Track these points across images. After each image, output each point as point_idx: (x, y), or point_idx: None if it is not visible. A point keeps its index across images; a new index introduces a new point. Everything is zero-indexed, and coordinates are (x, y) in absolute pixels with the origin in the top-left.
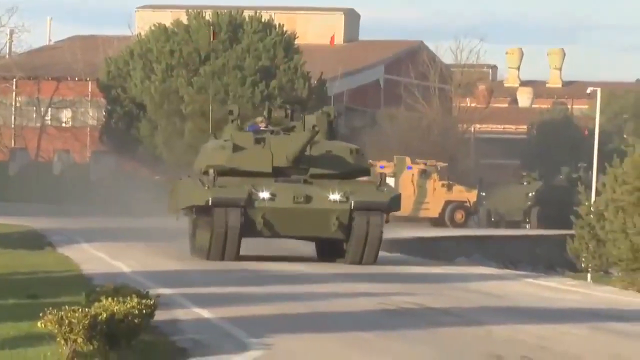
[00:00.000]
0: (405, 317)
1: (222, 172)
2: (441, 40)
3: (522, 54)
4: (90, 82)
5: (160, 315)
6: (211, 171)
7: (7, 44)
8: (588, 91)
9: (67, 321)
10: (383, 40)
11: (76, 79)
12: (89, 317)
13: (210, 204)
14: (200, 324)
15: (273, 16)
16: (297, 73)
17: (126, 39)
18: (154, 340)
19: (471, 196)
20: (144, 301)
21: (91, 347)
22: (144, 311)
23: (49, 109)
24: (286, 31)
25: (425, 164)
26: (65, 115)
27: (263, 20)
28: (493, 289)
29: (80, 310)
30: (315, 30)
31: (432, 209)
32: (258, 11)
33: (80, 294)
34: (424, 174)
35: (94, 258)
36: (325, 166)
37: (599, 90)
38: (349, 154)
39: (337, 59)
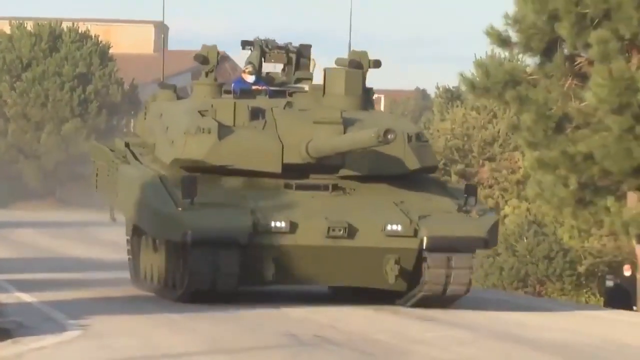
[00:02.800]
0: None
1: (200, 168)
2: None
3: None
4: None
5: None
6: (186, 180)
7: None
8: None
9: None
10: (191, 50)
11: None
12: None
13: (189, 241)
14: (22, 307)
15: (90, 27)
16: (111, 79)
17: None
18: None
19: None
20: None
21: None
22: None
23: None
24: (101, 41)
25: None
26: None
27: (80, 31)
28: None
29: None
30: (129, 40)
31: None
32: (76, 23)
33: None
34: None
35: None
36: (368, 164)
37: (382, 97)
38: (406, 144)
39: (148, 66)
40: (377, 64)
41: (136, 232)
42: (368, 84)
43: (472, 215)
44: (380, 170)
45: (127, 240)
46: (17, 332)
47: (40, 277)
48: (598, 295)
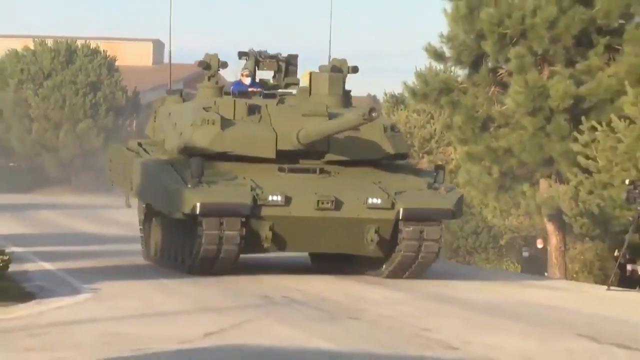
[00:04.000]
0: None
1: (207, 156)
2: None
3: None
4: None
5: (13, 268)
6: (195, 161)
7: None
8: None
9: None
10: (183, 64)
11: None
12: None
13: (197, 212)
14: (44, 274)
15: (99, 44)
16: (117, 87)
17: None
18: (8, 286)
19: None
20: (0, 257)
21: None
22: (0, 264)
23: None
24: (109, 55)
25: None
26: None
27: (91, 47)
28: None
29: None
30: (131, 55)
31: None
32: (87, 40)
33: None
34: None
35: None
36: (351, 150)
37: None
38: (383, 133)
39: (147, 76)
40: (355, 69)
41: (147, 216)
42: (347, 87)
43: (440, 192)
44: (361, 156)
45: (140, 220)
46: (40, 294)
47: (59, 249)
48: (516, 264)
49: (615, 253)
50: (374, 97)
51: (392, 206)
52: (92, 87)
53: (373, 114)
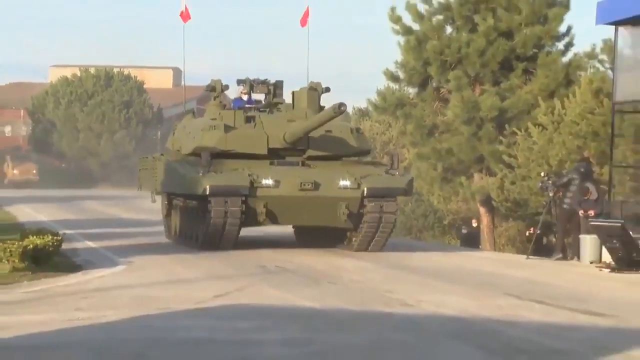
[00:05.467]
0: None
1: (213, 155)
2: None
3: None
4: (22, 110)
5: (65, 246)
6: (204, 154)
7: None
8: None
9: (8, 250)
10: (196, 85)
11: (13, 107)
12: (21, 247)
13: (207, 193)
14: (89, 250)
15: (130, 71)
16: (145, 104)
17: (43, 84)
18: (62, 260)
19: None
20: (55, 237)
21: (23, 265)
22: (55, 243)
23: None
24: (138, 80)
25: None
26: (7, 129)
27: (125, 73)
28: None
29: (16, 243)
30: (156, 79)
31: None
32: (121, 68)
33: (16, 233)
34: None
35: (25, 213)
36: (325, 147)
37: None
38: (350, 134)
39: (168, 96)
40: (327, 89)
41: (168, 207)
42: (322, 103)
43: (395, 175)
44: (334, 152)
45: (162, 213)
46: (86, 266)
47: (100, 231)
48: (456, 239)
49: (531, 230)
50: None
51: (358, 187)
52: (125, 105)
53: (342, 108)
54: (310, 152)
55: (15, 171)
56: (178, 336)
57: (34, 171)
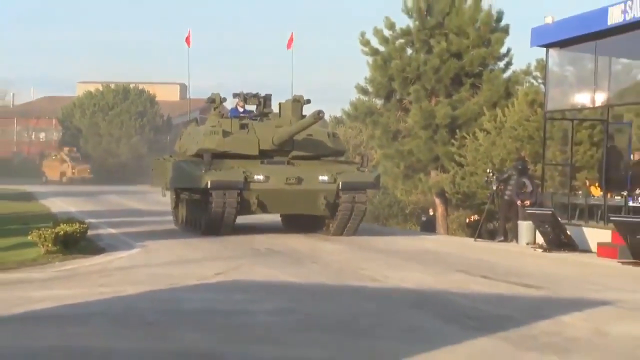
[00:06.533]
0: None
1: (213, 155)
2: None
3: None
4: (54, 120)
5: (90, 232)
6: (206, 155)
7: (12, 101)
8: None
9: (43, 235)
10: (199, 98)
11: (46, 117)
12: (53, 233)
13: (209, 187)
14: (110, 236)
15: (144, 86)
16: (156, 114)
17: (71, 98)
18: (87, 244)
19: None
20: (81, 225)
21: (55, 248)
22: (82, 230)
23: (32, 132)
24: (150, 94)
25: None
26: (42, 135)
27: (139, 88)
28: None
29: (49, 230)
30: (165, 93)
31: None
32: (136, 84)
33: (49, 222)
34: None
35: (56, 205)
36: (307, 148)
37: None
38: (328, 137)
39: (175, 107)
40: (308, 101)
41: (176, 201)
42: (304, 112)
43: (365, 172)
44: (314, 152)
45: (171, 206)
46: (108, 249)
47: (119, 220)
48: (416, 225)
49: (472, 218)
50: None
51: (335, 181)
52: (140, 114)
53: (321, 114)
54: (295, 153)
55: (74, 170)
56: (184, 307)
57: (89, 170)
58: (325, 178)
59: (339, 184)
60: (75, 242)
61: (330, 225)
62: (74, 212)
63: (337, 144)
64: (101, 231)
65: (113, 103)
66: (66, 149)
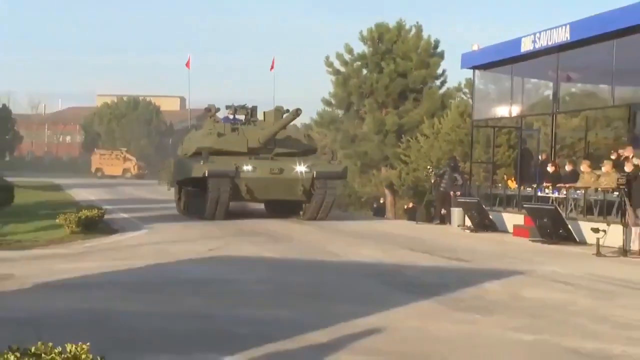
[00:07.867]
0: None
1: (209, 152)
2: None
3: None
4: (78, 125)
5: (107, 217)
6: (204, 152)
7: (44, 110)
8: None
9: (68, 219)
10: (197, 108)
11: (71, 124)
12: (77, 217)
13: (206, 175)
14: (123, 219)
15: (151, 99)
16: (160, 122)
17: (91, 107)
18: (104, 226)
19: None
20: (100, 211)
21: (78, 230)
22: (100, 215)
23: (60, 136)
24: (156, 105)
25: None
26: (68, 138)
27: (147, 100)
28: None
29: (73, 214)
30: (168, 104)
31: None
32: (145, 97)
33: (73, 208)
34: None
35: (80, 194)
36: (287, 146)
37: None
38: (304, 137)
39: (177, 116)
40: (287, 110)
41: (179, 192)
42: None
43: (335, 164)
44: (293, 149)
45: (175, 191)
46: (121, 230)
47: (131, 206)
48: (370, 211)
49: (409, 205)
50: (294, 126)
51: (310, 171)
52: (147, 122)
53: (299, 112)
54: (277, 150)
55: (138, 168)
56: (184, 277)
57: (144, 168)
58: (303, 169)
59: (314, 173)
60: (95, 224)
61: (306, 210)
62: (94, 200)
63: (311, 143)
64: (116, 216)
65: (125, 112)
66: (124, 149)
